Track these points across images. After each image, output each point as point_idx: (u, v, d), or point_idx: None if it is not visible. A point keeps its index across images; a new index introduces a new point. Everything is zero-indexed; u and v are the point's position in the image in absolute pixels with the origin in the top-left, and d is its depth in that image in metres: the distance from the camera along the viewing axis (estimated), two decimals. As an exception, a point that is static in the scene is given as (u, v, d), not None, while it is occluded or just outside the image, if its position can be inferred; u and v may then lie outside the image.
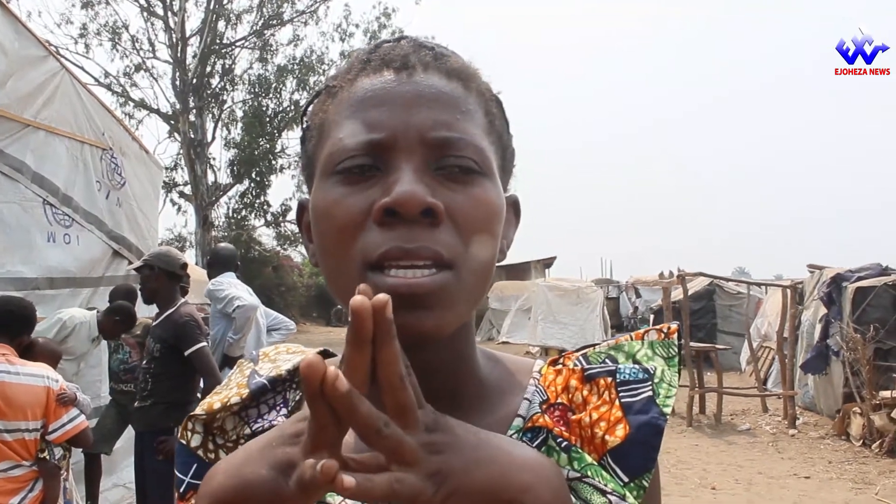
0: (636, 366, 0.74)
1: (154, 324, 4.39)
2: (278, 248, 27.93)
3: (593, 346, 0.79)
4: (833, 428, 9.39)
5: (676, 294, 13.07)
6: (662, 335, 0.76)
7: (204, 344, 4.20)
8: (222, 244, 6.20)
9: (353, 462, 0.53)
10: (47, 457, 3.43)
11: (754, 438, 9.49)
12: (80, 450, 4.48)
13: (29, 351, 4.00)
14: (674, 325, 0.77)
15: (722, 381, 10.87)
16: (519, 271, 25.59)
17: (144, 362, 4.32)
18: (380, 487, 0.51)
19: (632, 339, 0.77)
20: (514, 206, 0.81)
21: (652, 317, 20.46)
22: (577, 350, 0.79)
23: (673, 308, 12.06)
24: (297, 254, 29.42)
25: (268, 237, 27.56)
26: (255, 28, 24.75)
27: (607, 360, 0.75)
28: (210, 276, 5.27)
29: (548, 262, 28.50)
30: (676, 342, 0.76)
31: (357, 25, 25.42)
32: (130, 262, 6.24)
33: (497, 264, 0.76)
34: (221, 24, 24.10)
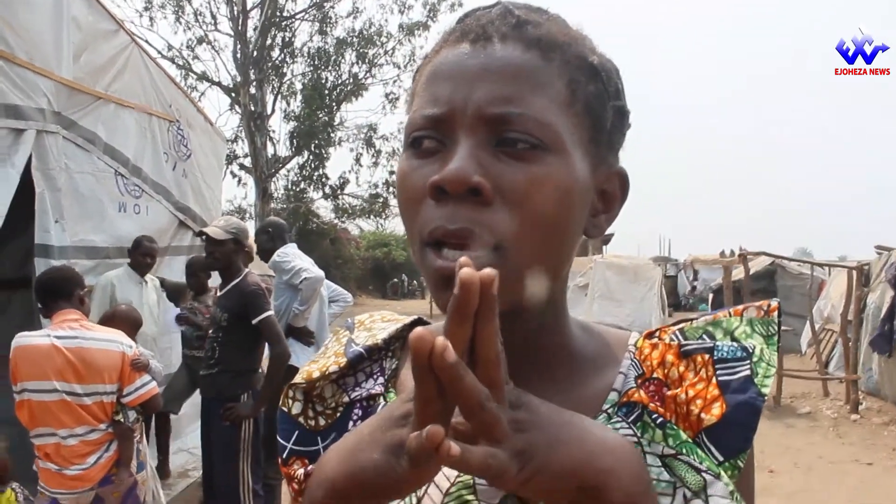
0: (734, 344, 0.72)
1: (220, 294, 4.48)
2: (336, 221, 28.15)
3: (690, 320, 0.77)
4: (898, 414, 9.17)
5: (737, 273, 12.85)
6: (762, 312, 0.74)
7: (271, 312, 4.28)
8: (271, 218, 6.30)
9: (461, 426, 0.54)
10: (122, 419, 3.57)
11: (814, 422, 9.31)
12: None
13: (110, 319, 4.16)
14: (774, 303, 0.75)
15: (782, 363, 10.66)
16: (575, 248, 25.36)
17: (211, 331, 4.42)
18: (476, 460, 0.51)
19: (730, 316, 0.75)
20: (619, 179, 0.77)
21: (711, 296, 20.17)
22: (674, 324, 0.77)
23: (733, 287, 11.85)
24: (355, 227, 29.68)
25: (325, 210, 27.80)
26: (314, 0, 24.83)
27: (705, 337, 0.73)
28: (274, 249, 5.35)
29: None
30: (776, 320, 0.74)
31: (416, -3, 25.29)
32: (196, 232, 6.40)
33: (591, 239, 0.76)
34: (282, -3, 24.24)
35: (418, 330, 0.50)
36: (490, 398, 0.53)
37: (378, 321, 0.91)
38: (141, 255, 5.45)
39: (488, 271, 0.51)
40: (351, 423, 0.80)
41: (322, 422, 0.82)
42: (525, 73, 0.67)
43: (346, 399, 0.82)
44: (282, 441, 0.83)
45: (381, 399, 0.81)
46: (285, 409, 0.84)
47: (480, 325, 0.52)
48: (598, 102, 0.72)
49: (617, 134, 0.76)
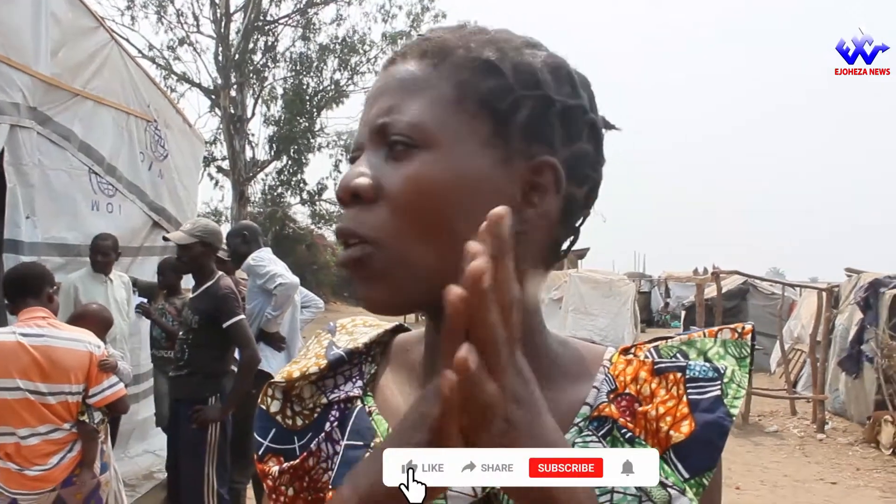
0: (707, 364, 0.73)
1: (192, 296, 4.45)
2: (312, 227, 28.02)
3: (665, 338, 0.78)
4: (863, 435, 9.28)
5: (709, 291, 12.95)
6: (736, 335, 0.75)
7: (242, 316, 4.25)
8: (245, 221, 6.27)
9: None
10: (87, 419, 3.52)
11: (781, 441, 9.41)
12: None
13: (80, 318, 4.10)
14: (748, 326, 0.76)
15: (751, 382, 10.75)
16: (551, 261, 25.36)
17: (182, 333, 4.38)
18: (489, 388, 0.51)
19: (705, 336, 0.76)
20: (551, 170, 0.72)
21: (683, 313, 20.32)
22: (650, 342, 0.78)
23: (706, 305, 11.95)
24: (331, 233, 29.52)
25: (302, 215, 27.64)
26: (298, 6, 24.75)
27: (678, 355, 0.75)
28: (249, 252, 5.30)
29: (580, 253, 28.28)
30: (750, 343, 0.75)
31: (400, 7, 25.28)
32: (163, 237, 6.35)
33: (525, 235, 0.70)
34: (265, 1, 24.14)
35: (452, 289, 0.49)
36: (510, 345, 0.52)
37: (360, 326, 0.92)
38: (95, 254, 5.33)
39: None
40: (328, 425, 0.81)
41: (299, 422, 0.84)
42: (407, 83, 0.73)
43: (324, 400, 0.84)
44: (258, 438, 0.84)
45: (359, 402, 0.82)
46: (264, 407, 0.85)
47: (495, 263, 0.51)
48: (497, 96, 0.71)
49: (541, 124, 0.72)
